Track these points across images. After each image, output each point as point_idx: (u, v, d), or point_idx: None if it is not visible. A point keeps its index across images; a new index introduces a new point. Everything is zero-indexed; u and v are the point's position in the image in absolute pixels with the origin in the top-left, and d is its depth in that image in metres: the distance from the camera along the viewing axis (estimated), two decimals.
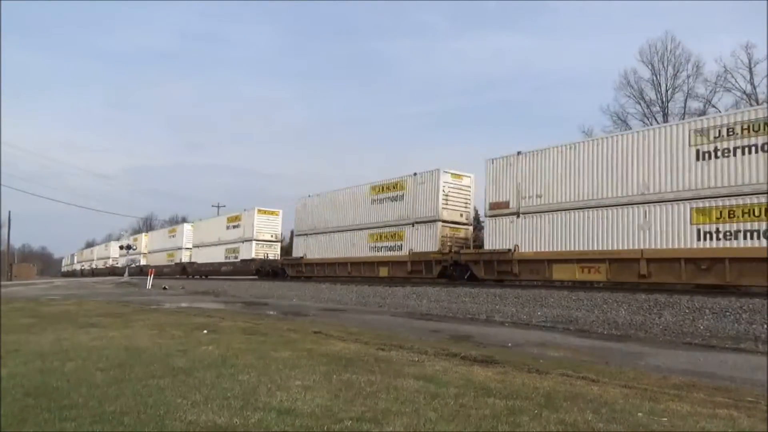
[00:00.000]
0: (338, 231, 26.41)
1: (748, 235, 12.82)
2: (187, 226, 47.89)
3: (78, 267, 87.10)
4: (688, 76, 39.49)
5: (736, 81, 36.68)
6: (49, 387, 5.05)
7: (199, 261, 41.45)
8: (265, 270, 33.32)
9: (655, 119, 40.21)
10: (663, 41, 40.58)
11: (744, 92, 36.45)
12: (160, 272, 46.94)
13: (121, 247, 55.51)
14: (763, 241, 12.52)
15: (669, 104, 40.41)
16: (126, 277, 44.88)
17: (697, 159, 13.85)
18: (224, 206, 67.18)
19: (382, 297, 19.41)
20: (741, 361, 8.26)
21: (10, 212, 72.35)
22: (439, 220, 21.26)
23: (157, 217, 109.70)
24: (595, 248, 15.68)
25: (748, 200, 12.87)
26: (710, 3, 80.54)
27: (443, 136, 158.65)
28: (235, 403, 4.47)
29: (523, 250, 17.73)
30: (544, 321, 13.18)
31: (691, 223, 13.76)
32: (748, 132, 13.04)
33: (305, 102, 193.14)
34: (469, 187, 22.55)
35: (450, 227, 21.49)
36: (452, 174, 22.01)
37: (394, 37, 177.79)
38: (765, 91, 35.51)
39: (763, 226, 12.58)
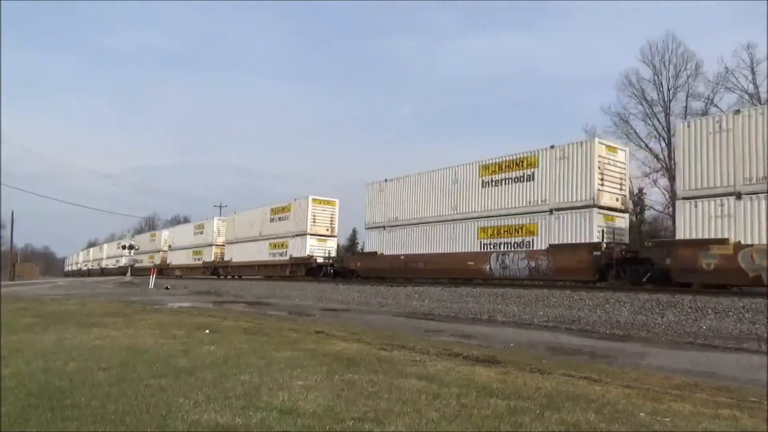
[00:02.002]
0: (432, 222, 21.72)
1: None
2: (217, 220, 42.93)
3: (83, 266, 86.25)
4: (689, 77, 39.46)
5: (738, 81, 36.62)
6: (51, 387, 5.05)
7: (237, 259, 36.48)
8: (324, 270, 28.04)
9: (657, 119, 40.18)
10: (664, 41, 40.55)
11: (746, 92, 36.38)
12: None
13: (124, 247, 55.56)
14: None
15: (671, 104, 40.38)
16: (128, 277, 44.90)
17: None
18: (226, 206, 67.29)
19: (383, 297, 19.41)
20: (743, 361, 8.24)
21: (13, 212, 72.56)
22: (596, 206, 16.52)
23: (159, 216, 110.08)
24: None
25: None
26: (711, 3, 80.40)
27: (448, 135, 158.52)
28: (237, 403, 4.47)
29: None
30: (546, 321, 13.17)
31: None
32: None
33: (308, 102, 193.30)
34: (625, 163, 17.78)
35: (605, 215, 16.87)
36: (607, 146, 17.36)
37: (397, 37, 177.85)
38: (767, 90, 35.44)
39: None
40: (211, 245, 41.23)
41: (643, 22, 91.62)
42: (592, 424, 4.12)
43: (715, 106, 37.18)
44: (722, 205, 13.76)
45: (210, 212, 71.47)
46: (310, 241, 29.28)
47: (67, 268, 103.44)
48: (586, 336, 11.05)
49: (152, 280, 32.88)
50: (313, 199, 29.91)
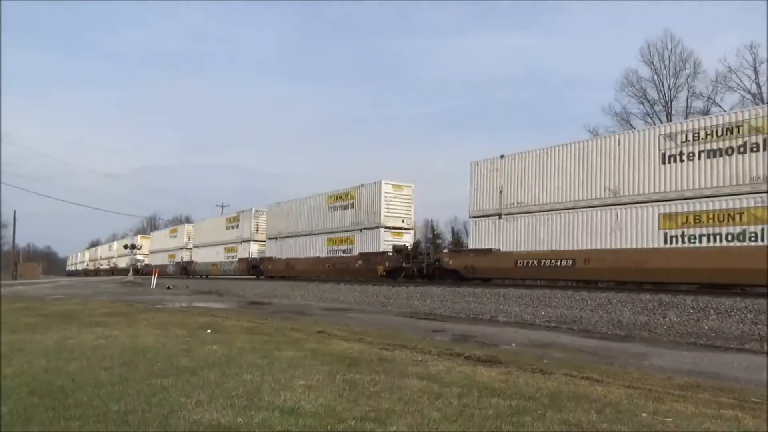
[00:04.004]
0: (576, 208, 16.73)
1: None
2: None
3: (89, 266, 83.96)
4: (688, 76, 39.40)
5: (741, 81, 36.56)
6: (53, 386, 5.07)
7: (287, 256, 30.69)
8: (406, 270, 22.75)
9: (659, 118, 40.13)
10: (663, 40, 40.47)
11: (749, 91, 36.33)
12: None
13: (126, 247, 55.61)
14: None
15: (672, 103, 40.32)
16: (130, 277, 45.01)
17: None
18: (228, 206, 67.34)
19: (385, 296, 19.41)
20: (746, 361, 8.23)
21: (15, 212, 72.75)
22: None
23: (161, 216, 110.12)
24: None
25: None
26: (715, 3, 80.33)
27: (450, 135, 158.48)
28: (239, 403, 4.48)
29: None
30: (548, 321, 13.17)
31: None
32: None
33: (311, 102, 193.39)
34: None
35: None
36: None
37: (401, 37, 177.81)
38: None
39: None
40: (249, 240, 36.13)
41: (643, 21, 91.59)
42: (593, 424, 4.12)
43: (717, 105, 37.12)
44: None
45: (212, 212, 71.43)
46: (384, 235, 24.31)
47: (69, 267, 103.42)
48: (587, 336, 11.04)
49: (154, 280, 32.94)
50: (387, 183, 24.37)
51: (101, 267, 75.03)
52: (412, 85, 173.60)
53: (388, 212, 24.40)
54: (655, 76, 40.62)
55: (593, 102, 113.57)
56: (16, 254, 79.41)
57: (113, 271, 66.44)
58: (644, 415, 4.44)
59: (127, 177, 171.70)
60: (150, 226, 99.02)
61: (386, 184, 24.69)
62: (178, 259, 48.13)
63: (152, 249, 56.17)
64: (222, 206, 68.20)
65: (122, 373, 5.70)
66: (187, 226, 49.74)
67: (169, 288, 29.88)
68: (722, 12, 79.41)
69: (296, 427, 3.87)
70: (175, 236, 50.63)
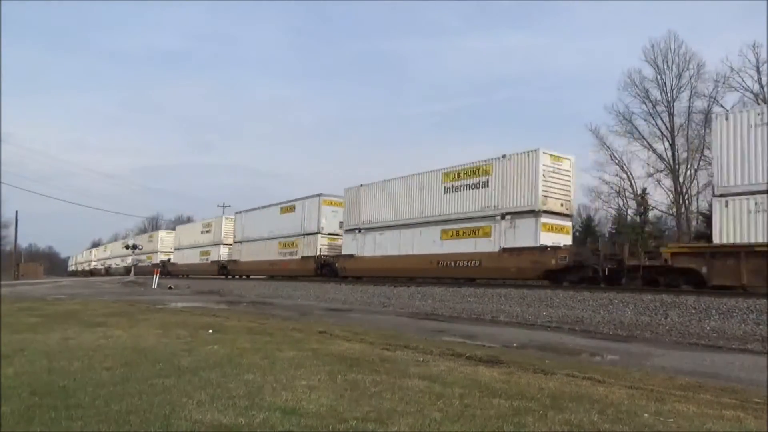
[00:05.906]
0: None
1: None
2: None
3: (99, 265, 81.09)
4: (691, 77, 39.37)
5: (743, 81, 36.51)
6: (55, 386, 5.07)
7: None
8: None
9: (661, 118, 40.14)
10: (666, 40, 40.44)
11: (751, 91, 36.27)
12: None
13: (127, 247, 55.64)
14: None
15: (674, 103, 40.27)
16: (132, 277, 45.11)
17: None
18: (229, 206, 67.27)
19: (387, 297, 19.41)
20: (748, 361, 8.21)
21: (17, 212, 72.86)
22: None
23: (162, 216, 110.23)
24: None
25: None
26: (716, 3, 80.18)
27: (452, 135, 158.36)
28: (240, 403, 4.48)
29: None
30: (549, 321, 13.15)
31: None
32: None
33: (312, 102, 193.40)
34: None
35: None
36: None
37: (404, 37, 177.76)
38: None
39: None
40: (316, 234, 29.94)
41: (645, 21, 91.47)
42: (595, 424, 4.11)
43: (720, 105, 37.07)
44: None
45: (213, 212, 71.41)
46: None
47: (71, 267, 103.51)
48: (589, 336, 11.03)
49: (155, 280, 32.96)
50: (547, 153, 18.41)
51: (112, 266, 72.79)
52: (413, 85, 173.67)
53: (546, 192, 18.19)
54: (658, 77, 40.63)
55: (594, 102, 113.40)
56: (18, 254, 79.52)
57: (129, 270, 64.28)
58: (646, 415, 4.43)
59: (127, 177, 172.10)
60: (152, 226, 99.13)
61: (545, 154, 18.43)
62: (213, 257, 41.83)
63: (180, 245, 49.19)
64: (223, 206, 68.20)
65: (124, 373, 5.70)
66: (225, 219, 42.74)
67: (170, 288, 29.92)
68: (723, 12, 79.33)
69: (298, 428, 3.87)
70: (209, 231, 43.62)
